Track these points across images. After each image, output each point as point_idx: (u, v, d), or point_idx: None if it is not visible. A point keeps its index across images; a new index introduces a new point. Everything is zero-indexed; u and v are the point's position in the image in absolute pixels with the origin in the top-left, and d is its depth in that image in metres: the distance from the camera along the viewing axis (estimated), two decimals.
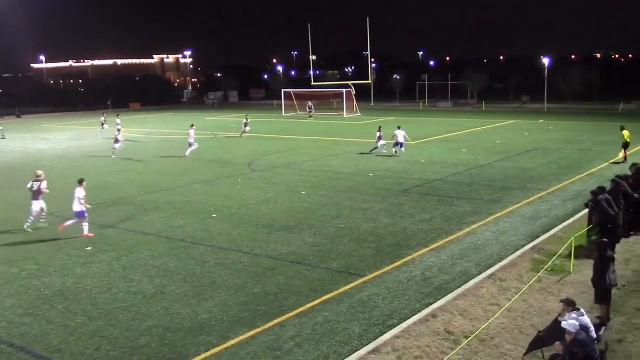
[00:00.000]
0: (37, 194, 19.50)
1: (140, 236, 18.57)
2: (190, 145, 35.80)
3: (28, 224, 19.44)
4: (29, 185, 19.75)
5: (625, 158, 30.56)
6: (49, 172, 31.47)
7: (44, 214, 19.93)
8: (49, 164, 34.92)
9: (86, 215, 18.63)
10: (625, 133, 31.13)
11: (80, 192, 18.58)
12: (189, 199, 23.72)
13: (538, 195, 22.89)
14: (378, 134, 35.46)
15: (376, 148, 35.23)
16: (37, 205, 19.52)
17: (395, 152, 34.14)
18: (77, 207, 18.52)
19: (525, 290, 13.26)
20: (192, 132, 36.17)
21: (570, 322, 9.09)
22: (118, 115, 51.64)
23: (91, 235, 18.65)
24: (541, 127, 49.96)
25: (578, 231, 16.85)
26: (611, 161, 30.87)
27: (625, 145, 31.12)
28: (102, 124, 50.73)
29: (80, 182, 18.89)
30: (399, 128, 34.84)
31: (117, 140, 37.39)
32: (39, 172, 20.23)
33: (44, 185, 19.64)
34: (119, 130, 44.84)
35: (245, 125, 46.82)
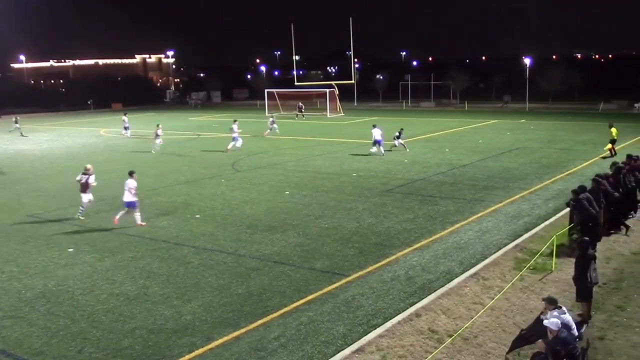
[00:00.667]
0: (85, 187, 20.72)
1: (123, 237, 18.44)
2: (234, 139, 37.56)
3: (79, 214, 20.75)
4: (78, 178, 20.94)
5: (614, 152, 32.18)
6: (30, 173, 31.19)
7: (82, 207, 20.98)
8: (29, 165, 34.58)
9: (136, 205, 19.63)
10: (613, 130, 32.96)
11: (131, 182, 19.55)
12: (172, 200, 23.60)
13: (520, 195, 23.08)
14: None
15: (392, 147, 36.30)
16: (86, 197, 20.80)
17: (375, 151, 34.32)
18: (128, 197, 19.52)
19: (507, 288, 13.37)
20: (235, 126, 38.27)
21: (551, 320, 9.18)
22: (125, 114, 52.25)
23: (143, 224, 19.57)
24: (523, 127, 50.37)
25: (559, 230, 17.02)
26: (600, 156, 32.32)
27: (612, 142, 32.71)
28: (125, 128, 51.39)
29: (131, 173, 19.90)
30: (374, 127, 35.14)
31: (157, 135, 38.29)
32: (88, 166, 21.33)
33: (91, 179, 20.82)
34: (126, 128, 48.23)
35: (272, 123, 47.15)
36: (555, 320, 9.19)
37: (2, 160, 36.95)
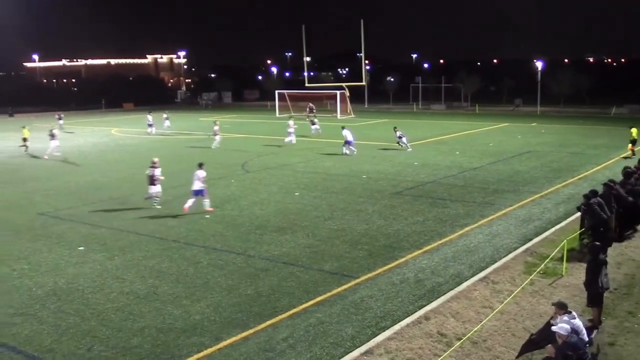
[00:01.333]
0: (152, 180, 22.17)
1: (133, 236, 18.52)
2: (289, 134, 40.88)
3: (155, 204, 22.30)
4: (147, 172, 22.38)
5: (633, 152, 32.80)
6: (41, 171, 31.39)
7: (157, 197, 22.49)
8: (40, 163, 34.80)
9: (205, 192, 21.43)
10: (634, 130, 33.80)
11: (201, 173, 21.44)
12: (181, 200, 23.63)
13: (530, 198, 22.98)
14: (397, 133, 37.77)
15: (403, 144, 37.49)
16: (154, 189, 22.29)
17: (346, 152, 35.48)
18: (197, 186, 21.33)
19: (517, 292, 13.31)
20: (291, 122, 42.06)
21: (560, 326, 9.13)
22: (150, 112, 53.72)
23: (212, 210, 21.29)
24: (534, 130, 50.15)
25: (570, 234, 16.94)
26: (622, 156, 33.02)
27: (633, 142, 33.51)
28: (164, 120, 53.43)
29: (200, 165, 21.91)
30: (343, 128, 36.59)
31: (215, 134, 40.65)
32: (155, 160, 22.92)
33: (157, 172, 22.31)
34: (150, 125, 50.01)
35: (313, 123, 48.27)
36: (564, 325, 9.14)
37: (14, 157, 37.21)
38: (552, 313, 10.20)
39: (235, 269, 15.32)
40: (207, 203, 21.38)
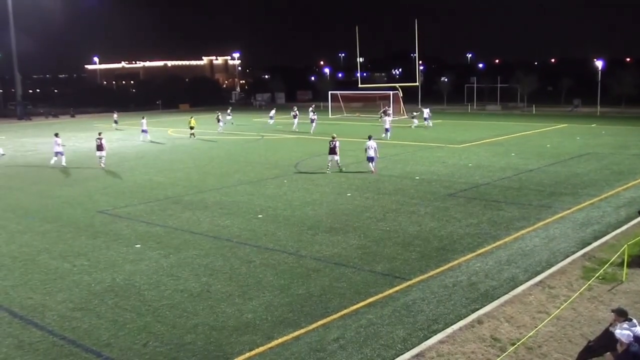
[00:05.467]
0: (332, 150, 29.77)
1: (187, 235, 18.87)
2: (385, 131, 44.77)
3: (328, 171, 29.80)
4: (330, 144, 30.01)
5: None
6: (100, 170, 32.31)
7: (338, 164, 30.24)
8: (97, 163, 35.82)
9: (376, 159, 29.61)
10: None
11: (372, 143, 29.49)
12: (235, 199, 23.99)
13: (589, 201, 22.33)
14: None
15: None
16: (333, 157, 29.97)
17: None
18: (371, 153, 29.35)
19: (574, 298, 12.95)
20: (388, 118, 47.64)
21: (623, 332, 8.83)
22: (223, 111, 59.88)
23: (374, 172, 29.23)
24: (593, 132, 48.73)
25: (631, 239, 16.37)
26: None
27: None
28: (218, 120, 56.69)
29: (370, 137, 29.97)
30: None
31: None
32: (334, 135, 31.41)
33: (337, 143, 29.99)
34: (219, 120, 56.16)
35: (426, 119, 54.46)
36: (627, 332, 8.83)
37: (76, 157, 38.44)
38: (611, 320, 9.88)
39: (287, 269, 15.42)
40: (371, 166, 29.33)
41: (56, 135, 35.34)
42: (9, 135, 56.70)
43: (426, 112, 57.14)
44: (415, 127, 54.65)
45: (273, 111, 64.73)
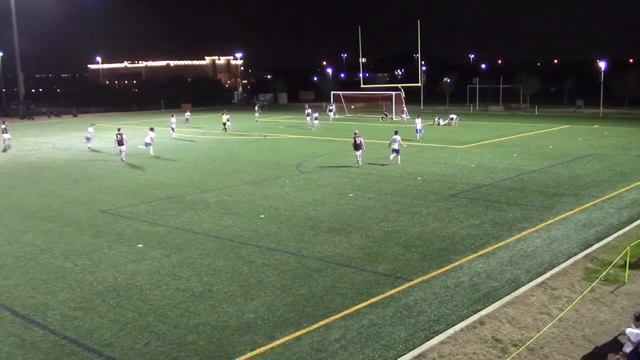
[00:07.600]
0: (358, 146, 31.31)
1: (189, 234, 18.88)
2: (416, 131, 44.41)
3: (359, 165, 31.68)
4: (353, 141, 31.73)
5: None
6: (103, 170, 32.34)
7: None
8: (102, 162, 35.85)
9: (399, 152, 32.04)
10: None
11: (397, 137, 31.97)
12: (237, 199, 23.99)
13: (592, 203, 22.30)
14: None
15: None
16: (358, 152, 31.50)
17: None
18: (395, 146, 31.80)
19: (577, 299, 12.93)
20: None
21: (633, 331, 8.79)
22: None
23: (389, 161, 32.06)
24: (596, 133, 48.67)
25: (634, 240, 16.34)
26: None
27: None
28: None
29: (396, 132, 32.51)
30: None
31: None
32: (356, 131, 32.92)
33: (362, 139, 31.63)
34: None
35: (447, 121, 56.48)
36: (636, 331, 8.79)
37: (76, 157, 38.48)
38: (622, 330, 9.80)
39: (289, 269, 15.42)
40: (396, 159, 31.87)
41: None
42: (11, 134, 56.69)
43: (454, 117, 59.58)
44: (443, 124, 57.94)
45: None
